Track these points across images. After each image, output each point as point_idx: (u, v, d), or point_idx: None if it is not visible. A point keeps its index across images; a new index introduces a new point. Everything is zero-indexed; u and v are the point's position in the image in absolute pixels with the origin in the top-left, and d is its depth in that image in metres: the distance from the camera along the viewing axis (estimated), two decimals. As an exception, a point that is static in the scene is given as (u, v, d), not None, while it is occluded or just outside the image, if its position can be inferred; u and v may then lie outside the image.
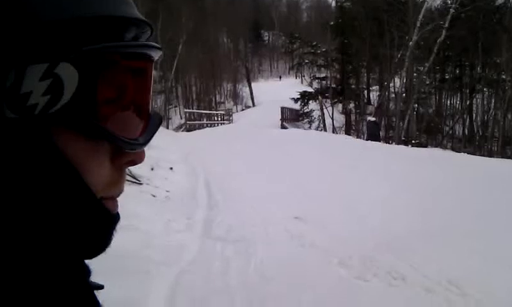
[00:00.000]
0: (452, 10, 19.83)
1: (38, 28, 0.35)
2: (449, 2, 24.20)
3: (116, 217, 0.45)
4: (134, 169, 6.45)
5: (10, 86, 0.35)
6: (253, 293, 3.33)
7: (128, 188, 6.07)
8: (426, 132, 24.89)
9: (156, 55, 0.44)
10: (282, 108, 27.10)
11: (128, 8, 0.42)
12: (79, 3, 0.38)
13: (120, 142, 0.41)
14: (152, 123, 0.46)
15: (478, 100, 28.62)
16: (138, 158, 0.45)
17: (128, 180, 6.31)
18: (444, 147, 21.01)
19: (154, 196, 6.05)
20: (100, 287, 0.48)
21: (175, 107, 40.93)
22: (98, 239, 0.44)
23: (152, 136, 0.46)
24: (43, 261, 0.39)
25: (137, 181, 6.40)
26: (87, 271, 0.46)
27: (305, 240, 4.40)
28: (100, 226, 0.44)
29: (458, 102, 31.83)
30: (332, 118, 27.77)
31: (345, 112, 30.74)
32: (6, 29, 0.34)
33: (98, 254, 0.45)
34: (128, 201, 5.29)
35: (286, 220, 4.97)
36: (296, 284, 3.44)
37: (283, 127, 23.63)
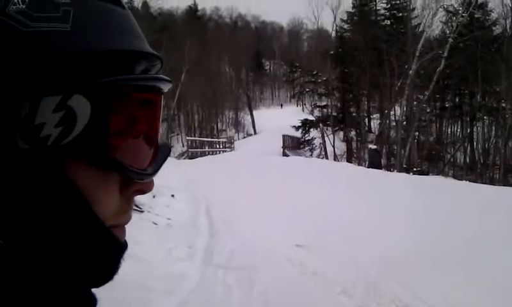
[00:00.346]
0: (450, 40, 20.13)
1: (51, 61, 0.36)
2: (448, 32, 24.58)
3: (124, 245, 0.45)
4: (135, 196, 6.46)
5: (24, 116, 0.36)
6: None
7: (129, 216, 6.07)
8: (427, 160, 24.91)
9: (166, 87, 0.46)
10: (284, 136, 27.22)
11: (139, 42, 0.44)
12: (92, 37, 0.39)
13: (130, 172, 0.42)
14: (160, 153, 0.48)
15: (479, 127, 28.73)
16: (147, 188, 0.46)
17: (129, 208, 6.31)
18: (446, 175, 20.98)
19: (155, 224, 6.03)
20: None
21: (177, 134, 41.18)
22: (107, 267, 0.44)
23: (160, 166, 0.47)
24: (53, 289, 0.40)
25: (138, 209, 6.39)
26: (94, 300, 0.46)
27: (307, 268, 4.37)
28: (109, 254, 0.44)
29: (459, 130, 31.95)
30: (333, 146, 27.84)
31: (347, 140, 30.85)
32: (21, 61, 0.35)
33: (106, 282, 0.45)
34: (130, 229, 5.25)
35: (288, 248, 4.94)
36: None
37: (284, 155, 23.68)
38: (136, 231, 5.19)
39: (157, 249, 4.80)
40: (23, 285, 0.37)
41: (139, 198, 5.60)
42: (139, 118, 0.43)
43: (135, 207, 6.31)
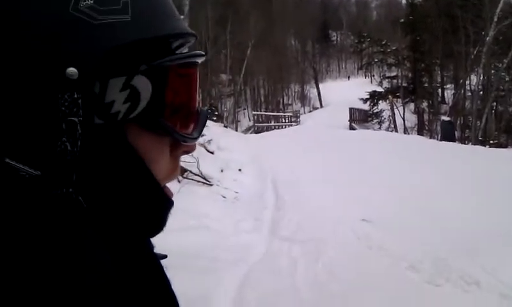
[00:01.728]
0: (534, 1, 18.46)
1: (116, 48, 0.43)
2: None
3: (172, 202, 0.54)
4: (205, 170, 6.72)
5: (96, 96, 0.43)
6: (320, 291, 3.38)
7: (199, 189, 6.35)
8: (506, 132, 23.31)
9: (200, 60, 0.53)
10: (350, 109, 26.70)
11: (180, 23, 0.51)
12: (147, 25, 0.46)
13: (181, 137, 0.50)
14: (201, 119, 0.57)
15: None
16: (191, 149, 0.55)
17: (200, 181, 6.59)
18: (526, 147, 19.58)
19: (224, 197, 6.26)
20: (165, 256, 0.58)
21: (244, 109, 41.61)
22: (159, 219, 0.53)
23: (202, 130, 0.56)
24: (122, 235, 0.48)
25: (207, 183, 6.65)
26: (152, 245, 0.57)
27: (373, 243, 4.36)
28: (162, 208, 0.52)
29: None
30: (404, 118, 26.87)
31: (418, 112, 29.62)
32: (91, 49, 0.42)
33: (158, 233, 0.54)
34: (200, 202, 5.53)
35: (353, 222, 4.94)
36: (363, 285, 3.44)
37: (351, 128, 23.28)
38: (205, 204, 5.43)
39: (225, 221, 5.00)
40: (100, 232, 0.44)
41: (208, 172, 5.84)
42: (183, 89, 0.51)
43: (205, 181, 6.59)
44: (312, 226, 4.91)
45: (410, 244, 4.25)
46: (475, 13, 21.51)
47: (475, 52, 20.82)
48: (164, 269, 0.56)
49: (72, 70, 0.41)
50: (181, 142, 0.53)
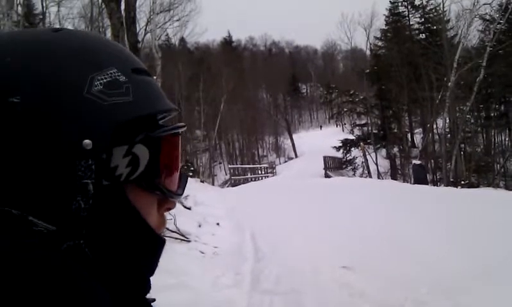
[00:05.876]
0: (489, 48, 19.56)
1: (121, 123, 0.52)
2: (486, 40, 23.93)
3: (164, 241, 0.61)
4: (182, 226, 6.64)
5: (104, 161, 0.51)
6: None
7: (177, 246, 6.25)
8: (476, 172, 23.96)
9: (183, 130, 0.63)
10: (325, 157, 27.10)
11: (166, 100, 0.61)
12: (145, 104, 0.56)
13: (170, 194, 0.59)
14: (183, 178, 0.66)
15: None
16: (173, 205, 0.64)
17: (177, 238, 6.49)
18: (496, 186, 20.12)
19: (203, 253, 6.16)
20: (154, 300, 0.63)
21: (220, 163, 41.70)
22: (157, 258, 0.61)
23: (185, 187, 0.65)
24: (125, 279, 0.56)
25: (185, 239, 6.56)
26: (149, 286, 0.62)
27: (354, 290, 4.34)
28: (158, 248, 0.60)
29: (507, 139, 30.68)
30: (376, 164, 27.40)
31: (390, 157, 30.31)
32: (101, 124, 0.51)
33: (154, 271, 0.61)
34: (178, 259, 5.43)
35: (333, 270, 4.92)
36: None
37: (326, 176, 23.53)
38: (184, 261, 5.34)
39: (205, 278, 4.91)
40: (105, 281, 0.50)
41: (185, 228, 5.78)
42: (172, 154, 0.61)
43: (182, 237, 6.50)
44: (292, 276, 4.87)
45: (391, 289, 4.25)
46: (436, 60, 22.58)
47: (439, 97, 21.69)
48: None
49: (87, 142, 0.49)
50: (168, 199, 0.61)
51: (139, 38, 15.97)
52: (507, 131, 30.27)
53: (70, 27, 13.89)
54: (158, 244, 0.60)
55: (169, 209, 0.63)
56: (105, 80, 0.53)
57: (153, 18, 16.50)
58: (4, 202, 0.48)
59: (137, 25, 12.83)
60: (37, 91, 0.49)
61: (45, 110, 0.49)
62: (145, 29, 22.22)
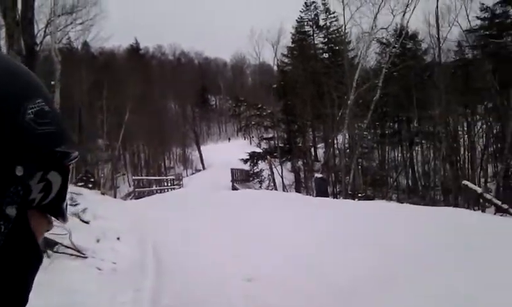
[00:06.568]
0: (384, 69, 21.20)
1: (35, 154, 0.53)
2: (382, 62, 25.96)
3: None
4: (78, 241, 6.19)
5: (28, 188, 0.53)
6: None
7: (72, 263, 5.80)
8: (372, 185, 25.69)
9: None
10: (232, 169, 27.30)
11: (70, 138, 0.62)
12: (62, 137, 0.57)
13: (62, 217, 0.61)
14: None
15: (418, 151, 30.14)
16: (52, 226, 0.63)
17: (72, 254, 6.04)
18: (389, 199, 21.71)
19: (100, 269, 5.79)
20: None
21: (123, 174, 40.12)
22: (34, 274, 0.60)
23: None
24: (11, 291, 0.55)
25: (81, 255, 6.12)
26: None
27: (258, 303, 4.34)
28: (39, 267, 0.59)
29: (400, 155, 33.38)
30: (282, 177, 28.18)
31: (294, 170, 31.36)
32: (33, 151, 0.52)
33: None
34: (72, 276, 5.04)
35: (237, 281, 4.89)
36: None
37: (234, 188, 23.68)
38: (77, 278, 4.97)
39: (100, 296, 4.60)
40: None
41: (82, 243, 5.40)
42: (67, 179, 0.61)
43: (78, 253, 6.05)
44: (196, 289, 4.76)
45: (294, 299, 4.32)
46: (337, 79, 23.94)
47: (339, 114, 22.97)
48: None
49: (19, 168, 0.51)
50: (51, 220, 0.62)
51: (38, 41, 14.90)
52: (400, 147, 32.93)
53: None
54: (40, 262, 0.60)
55: (48, 230, 0.63)
56: (34, 109, 0.54)
57: (54, 20, 15.55)
58: None
59: (35, 26, 11.99)
60: None
61: None
62: (45, 31, 20.81)
